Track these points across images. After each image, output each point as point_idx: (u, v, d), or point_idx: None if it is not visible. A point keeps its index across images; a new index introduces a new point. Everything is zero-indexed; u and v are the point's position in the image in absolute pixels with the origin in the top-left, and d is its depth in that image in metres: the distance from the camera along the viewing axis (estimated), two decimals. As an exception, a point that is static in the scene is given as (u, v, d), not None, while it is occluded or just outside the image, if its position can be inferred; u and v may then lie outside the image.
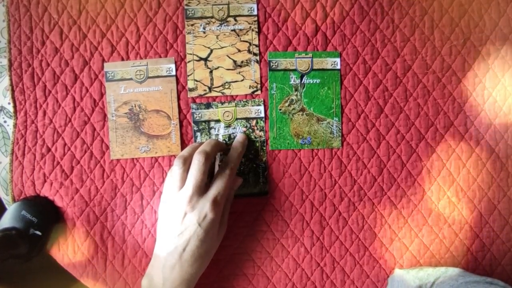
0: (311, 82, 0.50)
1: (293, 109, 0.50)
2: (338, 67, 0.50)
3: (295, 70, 0.50)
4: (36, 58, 0.50)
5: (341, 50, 0.51)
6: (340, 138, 0.50)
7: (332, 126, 0.50)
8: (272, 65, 0.50)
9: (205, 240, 0.42)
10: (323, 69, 0.50)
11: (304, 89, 0.50)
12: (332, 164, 0.50)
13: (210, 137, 0.50)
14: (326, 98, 0.50)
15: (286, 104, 0.50)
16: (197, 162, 0.42)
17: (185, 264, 0.42)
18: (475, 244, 0.51)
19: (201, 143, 0.46)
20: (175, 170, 0.43)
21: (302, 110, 0.50)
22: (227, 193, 0.45)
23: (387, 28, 0.51)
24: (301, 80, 0.50)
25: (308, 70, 0.50)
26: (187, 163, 0.43)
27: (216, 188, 0.43)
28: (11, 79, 0.50)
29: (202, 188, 0.43)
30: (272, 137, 0.50)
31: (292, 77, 0.50)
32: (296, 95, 0.50)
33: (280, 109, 0.50)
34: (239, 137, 0.49)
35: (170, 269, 0.41)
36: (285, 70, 0.50)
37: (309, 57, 0.50)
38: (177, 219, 0.42)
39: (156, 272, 0.42)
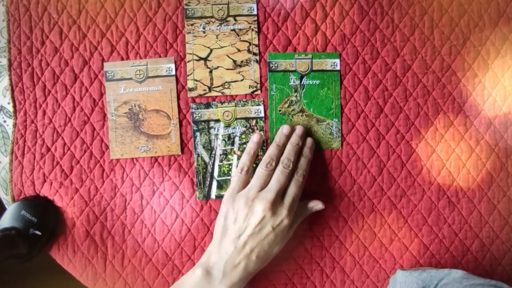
0: (311, 83, 0.50)
1: (293, 110, 0.50)
2: (338, 68, 0.50)
3: (294, 71, 0.50)
4: (36, 58, 0.50)
5: (341, 50, 0.51)
6: (340, 139, 0.50)
7: (331, 127, 0.50)
8: (272, 66, 0.50)
9: (274, 244, 0.44)
10: (322, 70, 0.50)
11: (304, 90, 0.50)
12: (332, 164, 0.50)
13: (209, 137, 0.50)
14: (325, 99, 0.50)
15: (286, 105, 0.50)
16: (283, 169, 0.45)
17: (250, 264, 0.43)
18: (475, 244, 0.51)
19: (281, 144, 0.47)
20: (263, 170, 0.45)
21: (302, 111, 0.50)
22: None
23: (387, 28, 0.51)
24: (301, 81, 0.50)
25: (308, 71, 0.50)
26: (273, 166, 0.45)
27: (291, 195, 0.45)
28: (10, 79, 0.50)
29: (281, 194, 0.45)
30: (272, 138, 0.50)
31: (291, 78, 0.50)
32: (296, 96, 0.50)
33: (279, 110, 0.50)
34: (308, 142, 0.49)
35: (233, 266, 0.43)
36: (284, 71, 0.50)
37: (309, 58, 0.50)
38: (254, 219, 0.43)
39: (217, 265, 0.43)
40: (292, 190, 0.45)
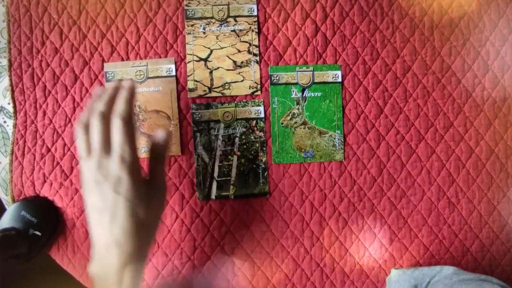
0: (313, 95, 0.50)
1: (295, 122, 0.50)
2: (339, 80, 0.50)
3: (296, 83, 0.50)
4: (36, 59, 0.50)
5: (341, 51, 0.51)
6: (343, 150, 0.50)
7: (334, 139, 0.50)
8: (273, 79, 0.50)
9: (132, 208, 0.36)
10: (324, 82, 0.50)
11: (306, 102, 0.50)
12: (332, 164, 0.51)
13: (209, 138, 0.50)
14: (327, 111, 0.50)
15: (288, 118, 0.50)
16: (93, 126, 0.38)
17: (123, 246, 0.36)
18: (475, 245, 0.51)
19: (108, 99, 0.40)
20: (79, 137, 0.38)
21: (304, 123, 0.50)
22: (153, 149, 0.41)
23: (387, 28, 0.51)
24: (303, 93, 0.50)
25: (309, 83, 0.50)
26: (88, 128, 0.38)
27: (116, 144, 0.37)
28: (11, 80, 0.50)
29: (109, 150, 0.37)
30: (275, 151, 0.50)
31: (293, 91, 0.50)
32: (298, 109, 0.50)
33: (282, 123, 0.50)
34: (125, 83, 0.41)
35: (107, 254, 0.36)
36: (286, 84, 0.50)
37: (310, 71, 0.50)
38: (94, 192, 0.37)
39: (96, 264, 0.37)
40: (115, 140, 0.38)
